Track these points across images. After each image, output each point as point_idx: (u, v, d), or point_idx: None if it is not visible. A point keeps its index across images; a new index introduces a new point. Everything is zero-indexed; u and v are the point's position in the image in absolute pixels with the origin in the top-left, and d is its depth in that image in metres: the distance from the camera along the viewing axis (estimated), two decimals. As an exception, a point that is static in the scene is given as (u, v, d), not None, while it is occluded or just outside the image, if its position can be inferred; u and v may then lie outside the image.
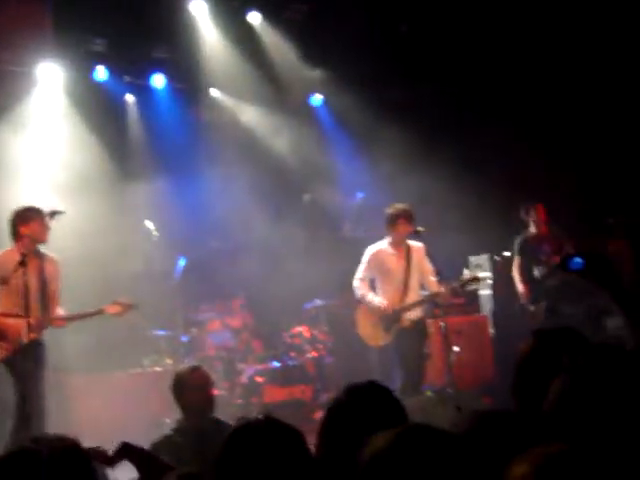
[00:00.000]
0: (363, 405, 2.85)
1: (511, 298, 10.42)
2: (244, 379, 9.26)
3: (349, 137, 12.00)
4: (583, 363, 2.17)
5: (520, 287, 9.75)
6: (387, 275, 8.51)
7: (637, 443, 2.00)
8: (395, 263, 8.52)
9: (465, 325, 10.35)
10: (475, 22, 10.87)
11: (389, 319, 8.41)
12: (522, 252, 9.85)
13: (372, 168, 11.73)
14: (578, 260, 4.19)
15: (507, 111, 11.26)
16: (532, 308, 9.65)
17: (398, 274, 8.50)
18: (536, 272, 9.79)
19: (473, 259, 11.07)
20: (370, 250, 8.63)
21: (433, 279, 8.47)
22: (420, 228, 8.43)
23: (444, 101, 11.56)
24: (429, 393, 8.68)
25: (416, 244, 8.59)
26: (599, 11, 10.33)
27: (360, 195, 11.68)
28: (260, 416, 2.72)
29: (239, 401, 9.18)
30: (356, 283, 8.56)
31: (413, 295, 8.50)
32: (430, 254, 8.58)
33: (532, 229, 9.88)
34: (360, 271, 8.59)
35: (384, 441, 2.05)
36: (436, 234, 9.77)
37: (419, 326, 8.51)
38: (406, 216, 8.42)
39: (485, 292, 11.07)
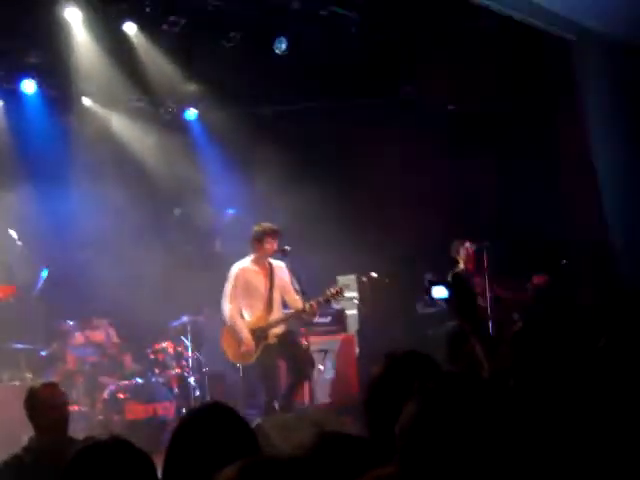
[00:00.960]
0: (206, 428, 2.83)
1: (377, 317, 10.63)
2: (106, 395, 9.08)
3: (223, 153, 11.98)
4: (433, 388, 2.22)
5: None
6: (252, 292, 8.57)
7: (485, 470, 2.07)
8: (260, 281, 8.58)
9: (331, 344, 10.46)
10: (351, 39, 11.03)
11: (256, 336, 8.45)
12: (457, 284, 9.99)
13: (245, 185, 11.76)
14: (441, 288, 4.30)
15: (379, 131, 11.49)
16: None
17: (263, 291, 8.57)
18: None
19: (341, 279, 11.22)
20: (235, 268, 8.65)
21: (296, 297, 8.56)
22: (287, 247, 8.53)
23: (319, 119, 11.70)
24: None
25: (278, 263, 8.68)
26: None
27: (231, 211, 11.68)
28: (107, 436, 2.69)
29: (100, 417, 8.99)
30: (226, 306, 8.55)
31: (277, 312, 8.59)
32: (295, 273, 8.66)
33: (460, 265, 10.13)
34: (228, 292, 8.58)
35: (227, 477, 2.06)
36: (306, 253, 9.88)
37: (285, 339, 8.58)
38: (273, 234, 8.51)
39: (351, 312, 11.23)
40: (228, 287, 8.59)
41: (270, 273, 8.62)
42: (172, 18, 10.62)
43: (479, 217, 11.46)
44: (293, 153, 11.28)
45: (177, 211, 11.70)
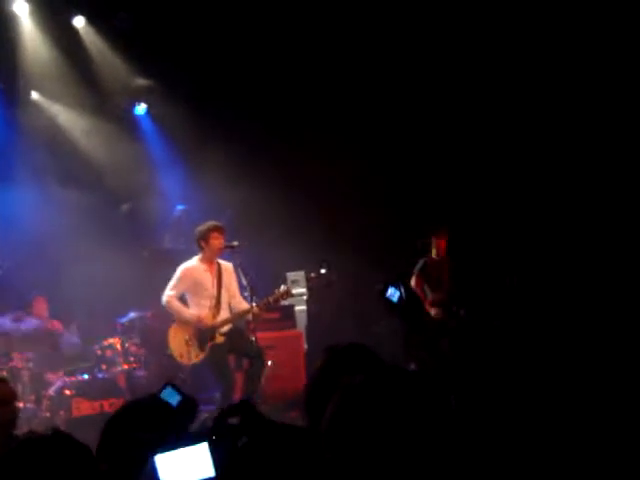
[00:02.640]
0: (141, 420, 2.86)
1: (325, 314, 10.69)
2: (52, 391, 9.01)
3: (172, 148, 11.94)
4: (359, 382, 2.25)
5: (432, 310, 10.05)
6: (200, 291, 8.59)
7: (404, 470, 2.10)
8: (208, 279, 8.59)
9: (279, 340, 10.49)
10: (292, 36, 11.08)
11: (204, 336, 8.47)
12: (423, 270, 10.25)
13: (195, 181, 11.73)
14: (393, 291, 4.39)
15: (332, 130, 11.55)
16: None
17: (210, 290, 8.58)
18: (435, 295, 10.16)
19: (290, 275, 11.26)
20: (183, 267, 8.66)
21: (241, 299, 8.67)
22: (235, 242, 8.56)
23: (269, 116, 11.71)
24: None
25: (226, 263, 8.71)
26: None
27: (180, 207, 11.65)
28: (48, 431, 2.68)
29: (46, 414, 8.92)
30: (167, 298, 8.57)
31: (225, 312, 8.61)
32: (244, 268, 8.70)
33: (429, 255, 10.31)
34: (171, 286, 8.60)
35: None
36: (256, 249, 9.91)
37: (233, 335, 8.62)
38: (218, 231, 8.52)
39: (300, 308, 11.27)
40: (172, 283, 8.62)
41: (218, 273, 8.64)
42: (122, 13, 10.60)
43: (430, 213, 11.59)
44: (244, 149, 11.29)
45: (125, 207, 11.63)
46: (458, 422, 2.35)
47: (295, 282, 11.36)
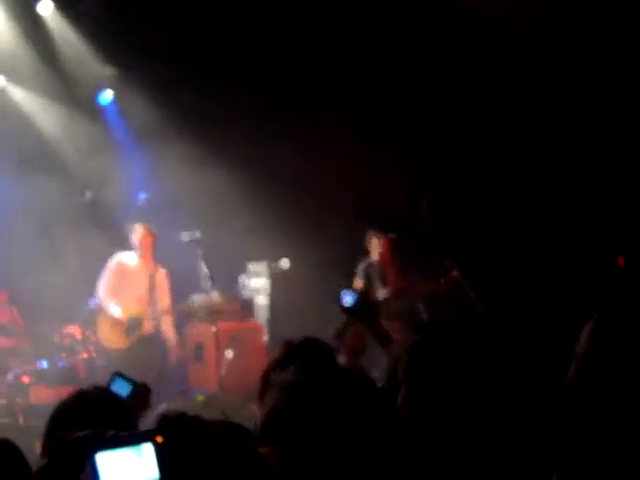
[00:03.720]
0: (89, 411, 2.85)
1: (287, 305, 10.71)
2: (9, 378, 8.96)
3: (137, 136, 11.88)
4: (286, 379, 2.28)
5: None
6: (131, 284, 8.74)
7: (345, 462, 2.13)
8: (141, 275, 8.82)
9: (240, 331, 10.49)
10: (273, 27, 11.07)
11: (131, 324, 8.64)
12: (364, 276, 10.19)
13: (160, 169, 11.69)
14: (354, 297, 4.43)
15: (298, 120, 11.56)
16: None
17: (143, 284, 8.82)
18: (381, 295, 10.15)
19: (251, 266, 11.27)
20: (115, 259, 8.79)
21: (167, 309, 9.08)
22: (197, 233, 8.69)
23: (238, 105, 11.69)
24: (200, 397, 8.78)
25: (162, 270, 9.07)
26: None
27: (143, 195, 11.60)
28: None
29: (3, 401, 8.87)
30: (100, 291, 8.88)
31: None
32: (206, 258, 8.76)
33: (375, 256, 10.23)
34: (104, 278, 8.86)
35: None
36: (218, 238, 9.92)
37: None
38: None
39: (262, 299, 11.29)
40: (105, 273, 8.97)
41: (153, 274, 8.96)
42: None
43: (397, 208, 11.65)
44: (209, 137, 11.26)
45: (87, 194, 11.55)
46: (397, 420, 2.41)
47: (256, 273, 11.37)
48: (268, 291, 11.34)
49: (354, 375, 2.33)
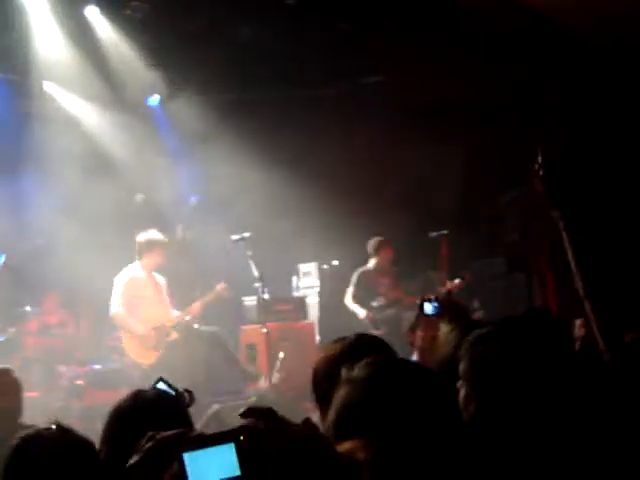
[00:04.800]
0: (148, 411, 2.85)
1: (337, 305, 10.68)
2: (64, 381, 9.05)
3: (186, 139, 11.93)
4: (360, 375, 2.23)
5: (362, 314, 10.02)
6: (147, 298, 8.91)
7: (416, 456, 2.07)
8: (152, 288, 8.97)
9: (291, 331, 10.48)
10: (316, 27, 11.03)
11: (159, 335, 8.68)
12: (359, 284, 10.16)
13: (208, 172, 11.73)
14: (435, 304, 4.46)
15: (345, 121, 11.52)
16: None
17: (157, 296, 8.96)
18: (375, 303, 10.12)
19: (302, 267, 11.25)
20: (125, 276, 8.98)
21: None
22: (246, 234, 8.68)
23: (285, 107, 11.68)
24: (253, 398, 8.79)
25: (160, 278, 9.12)
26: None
27: (193, 198, 11.66)
28: (52, 425, 2.67)
29: (59, 404, 8.95)
30: (119, 310, 8.86)
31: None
32: (256, 259, 8.76)
33: (373, 262, 10.19)
34: (117, 296, 8.91)
35: None
36: (268, 240, 9.91)
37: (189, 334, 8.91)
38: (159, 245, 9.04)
39: (313, 299, 11.27)
40: (117, 293, 8.91)
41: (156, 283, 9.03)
42: (135, 2, 10.58)
43: (443, 208, 11.55)
44: (257, 141, 11.26)
45: (138, 197, 11.63)
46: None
47: (307, 274, 11.37)
48: (318, 291, 11.31)
49: (426, 370, 2.27)
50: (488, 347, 2.51)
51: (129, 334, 8.90)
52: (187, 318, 9.07)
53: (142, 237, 8.98)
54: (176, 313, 9.13)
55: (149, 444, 2.33)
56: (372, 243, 10.29)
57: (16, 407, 4.71)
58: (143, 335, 8.76)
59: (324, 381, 3.06)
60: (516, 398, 2.41)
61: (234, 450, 1.88)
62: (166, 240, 9.07)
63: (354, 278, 10.29)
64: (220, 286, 9.12)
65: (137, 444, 2.73)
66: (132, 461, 2.25)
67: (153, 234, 9.00)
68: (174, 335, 8.90)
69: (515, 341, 2.52)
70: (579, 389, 2.51)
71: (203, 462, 1.87)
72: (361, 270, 10.29)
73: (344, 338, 3.25)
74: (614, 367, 2.95)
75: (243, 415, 1.93)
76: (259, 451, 1.90)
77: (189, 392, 3.59)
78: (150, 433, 2.33)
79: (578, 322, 5.73)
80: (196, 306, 9.10)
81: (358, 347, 3.13)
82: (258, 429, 1.95)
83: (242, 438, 1.86)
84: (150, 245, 8.94)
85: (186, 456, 1.85)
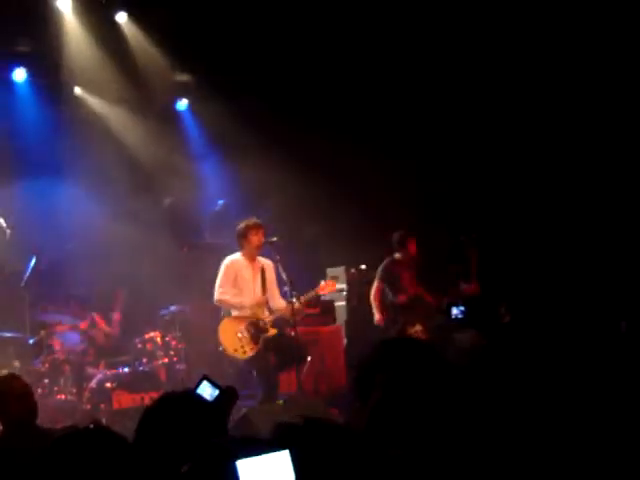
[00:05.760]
0: (175, 414, 2.87)
1: (365, 309, 10.66)
2: (93, 384, 9.09)
3: (214, 143, 11.98)
4: (394, 381, 2.24)
5: (377, 315, 9.95)
6: (243, 286, 8.66)
7: (443, 454, 2.09)
8: (249, 274, 8.69)
9: (319, 335, 10.50)
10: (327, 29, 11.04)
11: (256, 328, 8.56)
12: (384, 277, 10.06)
13: (236, 175, 11.76)
14: (460, 308, 4.46)
15: (371, 132, 11.49)
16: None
17: (255, 286, 8.65)
18: (395, 299, 10.02)
19: (330, 271, 11.25)
20: (226, 261, 8.77)
21: (279, 298, 8.83)
22: (274, 238, 8.63)
23: (314, 110, 11.68)
24: (280, 402, 8.78)
25: (267, 261, 8.78)
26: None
27: (221, 202, 11.70)
28: (90, 425, 2.70)
29: (87, 407, 9.00)
30: (217, 296, 8.73)
31: (272, 305, 8.70)
32: (285, 264, 8.73)
33: (398, 255, 10.10)
34: (219, 283, 8.74)
35: None
36: (295, 245, 9.92)
37: (281, 335, 8.71)
38: (255, 227, 8.65)
39: (340, 303, 11.26)
40: (220, 278, 8.71)
41: (261, 271, 8.72)
42: (163, 9, 10.64)
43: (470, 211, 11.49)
44: (286, 145, 11.28)
45: (167, 201, 11.69)
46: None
47: (335, 278, 11.34)
48: (346, 295, 11.30)
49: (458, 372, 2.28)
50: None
51: (229, 323, 8.70)
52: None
53: (238, 225, 8.82)
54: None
55: (202, 451, 2.36)
56: (397, 236, 10.15)
57: (33, 410, 4.71)
58: (242, 322, 8.58)
59: (365, 383, 3.07)
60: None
61: (289, 457, 1.88)
62: (257, 221, 8.75)
63: (379, 270, 10.12)
64: (325, 283, 8.94)
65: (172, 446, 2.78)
66: (185, 468, 2.26)
67: (246, 220, 8.79)
68: (272, 331, 8.66)
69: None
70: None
71: (257, 470, 1.87)
72: (388, 260, 10.13)
73: (385, 341, 3.26)
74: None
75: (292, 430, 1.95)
76: (315, 458, 1.91)
77: (233, 389, 3.62)
78: (206, 441, 2.35)
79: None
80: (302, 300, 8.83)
81: (400, 351, 3.13)
82: (312, 437, 1.98)
83: (296, 445, 1.86)
84: (242, 231, 8.73)
85: (239, 464, 1.86)
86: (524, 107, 11.03)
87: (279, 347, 8.66)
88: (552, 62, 10.76)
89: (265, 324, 8.63)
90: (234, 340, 8.59)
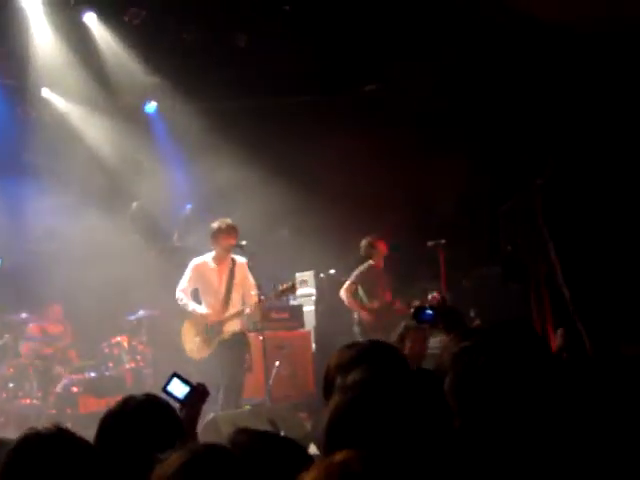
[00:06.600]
0: (138, 417, 2.85)
1: (333, 314, 10.64)
2: (59, 389, 8.99)
3: (182, 146, 11.91)
4: (354, 382, 2.21)
5: (364, 314, 9.82)
6: (208, 288, 8.61)
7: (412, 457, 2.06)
8: (214, 277, 8.62)
9: (288, 340, 10.45)
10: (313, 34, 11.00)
11: (211, 331, 8.47)
12: (361, 280, 9.94)
13: (204, 179, 11.70)
14: (429, 312, 4.47)
15: (342, 129, 11.48)
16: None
17: (219, 287, 8.59)
18: (375, 304, 9.95)
19: (299, 275, 11.21)
20: (193, 262, 8.71)
21: (253, 294, 8.58)
22: (243, 242, 8.56)
23: (281, 116, 11.66)
24: (247, 407, 8.73)
25: (240, 259, 8.70)
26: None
27: (189, 206, 11.64)
28: (50, 426, 2.64)
29: (53, 411, 8.90)
30: (178, 294, 8.62)
31: (234, 309, 8.60)
32: (252, 268, 8.68)
33: (372, 262, 10.02)
34: (182, 281, 8.64)
35: (171, 468, 2.04)
36: (265, 249, 9.86)
37: (238, 338, 8.61)
38: (227, 230, 8.52)
39: (309, 308, 11.23)
40: (184, 278, 8.72)
41: (231, 269, 8.64)
42: (134, 9, 10.55)
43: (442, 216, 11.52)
44: (254, 149, 11.24)
45: (135, 204, 11.60)
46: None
47: (304, 282, 11.32)
48: (315, 299, 11.27)
49: (425, 375, 2.26)
50: (472, 360, 2.49)
51: (189, 325, 8.67)
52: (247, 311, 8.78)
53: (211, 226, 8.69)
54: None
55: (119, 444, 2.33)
56: (366, 242, 10.05)
57: None
58: (200, 324, 8.55)
59: (329, 386, 3.05)
60: (499, 411, 2.39)
61: None
62: (230, 224, 8.56)
63: (356, 273, 9.96)
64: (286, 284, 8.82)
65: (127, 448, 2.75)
66: None
67: (218, 222, 8.63)
68: (226, 334, 8.56)
69: (497, 354, 2.50)
70: (559, 397, 2.49)
71: None
72: (367, 265, 10.00)
73: (357, 344, 3.23)
74: (602, 374, 2.94)
75: None
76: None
77: (203, 386, 3.61)
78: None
79: (559, 331, 5.72)
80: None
81: (368, 353, 3.12)
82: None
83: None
84: (213, 233, 8.59)
85: None
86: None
87: (231, 349, 8.62)
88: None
89: (220, 327, 8.55)
90: (191, 341, 8.64)
